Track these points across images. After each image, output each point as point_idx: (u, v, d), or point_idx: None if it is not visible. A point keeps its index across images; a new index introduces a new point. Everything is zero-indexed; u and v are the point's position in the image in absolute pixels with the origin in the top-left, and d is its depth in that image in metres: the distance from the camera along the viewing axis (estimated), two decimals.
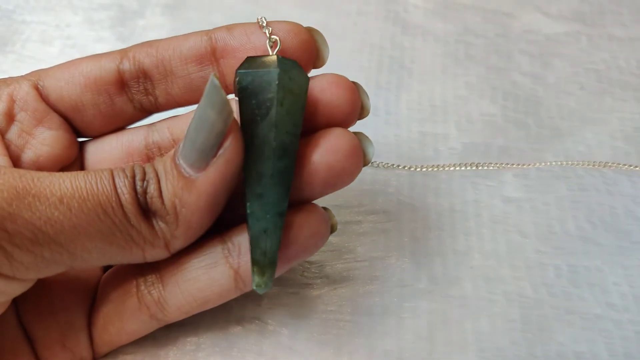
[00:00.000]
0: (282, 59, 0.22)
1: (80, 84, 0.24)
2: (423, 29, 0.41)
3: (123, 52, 0.25)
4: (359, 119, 0.24)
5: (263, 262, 0.22)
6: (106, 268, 0.26)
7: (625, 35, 0.42)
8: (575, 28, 0.42)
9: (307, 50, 0.24)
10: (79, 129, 0.25)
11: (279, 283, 0.28)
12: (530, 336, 0.27)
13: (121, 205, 0.20)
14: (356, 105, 0.24)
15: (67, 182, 0.20)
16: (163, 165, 0.21)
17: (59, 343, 0.23)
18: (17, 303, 0.23)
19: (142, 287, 0.23)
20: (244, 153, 0.21)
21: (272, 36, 0.24)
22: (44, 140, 0.24)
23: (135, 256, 0.21)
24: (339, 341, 0.26)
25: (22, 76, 0.25)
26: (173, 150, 0.21)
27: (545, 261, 0.29)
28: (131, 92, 0.25)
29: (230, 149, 0.20)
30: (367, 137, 0.24)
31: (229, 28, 0.24)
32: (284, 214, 0.22)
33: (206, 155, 0.20)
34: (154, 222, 0.21)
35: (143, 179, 0.21)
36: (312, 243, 0.24)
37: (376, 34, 0.41)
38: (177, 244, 0.22)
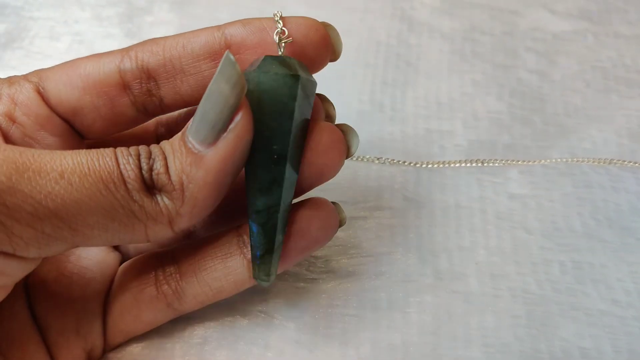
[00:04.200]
0: (300, 63, 0.23)
1: (78, 86, 0.23)
2: (429, 26, 0.42)
3: (124, 52, 0.24)
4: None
5: (255, 258, 0.23)
6: (123, 260, 0.26)
7: (632, 33, 0.42)
8: (581, 26, 0.42)
9: (325, 45, 0.24)
10: (80, 132, 0.25)
11: (285, 277, 0.28)
12: (534, 332, 0.27)
13: (123, 181, 0.20)
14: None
15: (68, 158, 0.19)
16: (170, 144, 0.21)
17: (73, 330, 0.24)
18: (30, 292, 0.24)
19: (161, 277, 0.24)
20: (253, 130, 0.21)
21: (283, 31, 0.23)
22: (48, 146, 0.24)
23: (137, 233, 0.21)
24: (345, 335, 0.26)
25: (24, 76, 0.24)
26: (181, 131, 0.21)
27: (550, 257, 0.30)
28: (133, 94, 0.24)
29: (241, 123, 0.20)
30: (352, 128, 0.25)
31: (244, 23, 0.24)
32: (271, 212, 0.23)
33: (217, 130, 0.20)
34: (159, 198, 0.21)
35: (149, 157, 0.21)
36: (322, 235, 0.24)
37: (382, 31, 0.41)
38: (182, 222, 0.21)
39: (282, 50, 0.23)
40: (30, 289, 0.24)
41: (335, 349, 0.26)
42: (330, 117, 0.25)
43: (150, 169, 0.20)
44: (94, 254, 0.26)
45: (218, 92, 0.20)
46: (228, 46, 0.23)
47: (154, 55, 0.23)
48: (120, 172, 0.20)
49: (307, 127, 0.23)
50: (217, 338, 0.26)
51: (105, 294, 0.25)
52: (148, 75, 0.24)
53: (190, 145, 0.21)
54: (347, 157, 0.24)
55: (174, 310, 0.25)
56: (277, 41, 0.23)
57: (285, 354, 0.26)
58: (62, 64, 0.24)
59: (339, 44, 0.24)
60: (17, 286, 0.23)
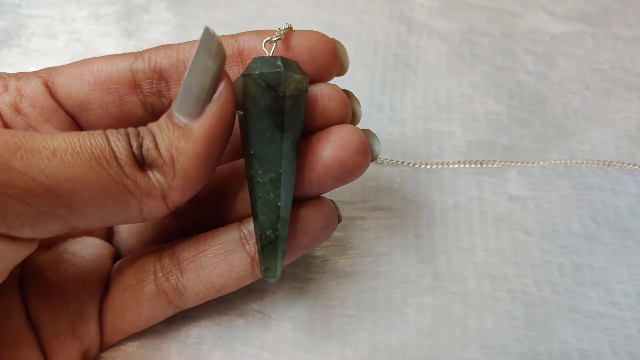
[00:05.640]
0: (286, 59, 0.23)
1: (89, 82, 0.24)
2: (428, 27, 0.41)
3: (138, 54, 0.24)
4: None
5: (282, 250, 0.23)
6: (116, 259, 0.26)
7: (630, 36, 0.42)
8: (580, 28, 0.42)
9: (333, 57, 0.24)
10: (84, 128, 0.25)
11: (282, 277, 0.28)
12: (533, 334, 0.27)
13: (115, 157, 0.20)
14: (347, 114, 0.25)
15: (60, 138, 0.20)
16: (157, 124, 0.22)
17: (69, 332, 0.23)
18: (25, 292, 0.23)
19: (160, 274, 0.24)
20: (235, 98, 0.22)
21: (275, 37, 0.24)
22: None
23: (132, 210, 0.21)
24: (343, 336, 0.26)
25: (34, 72, 0.24)
26: (167, 111, 0.22)
27: (549, 259, 0.29)
28: (143, 94, 0.24)
29: (224, 92, 0.21)
30: (374, 134, 0.25)
31: (258, 33, 0.24)
32: (288, 207, 0.23)
33: (202, 101, 0.21)
34: (151, 173, 0.21)
35: (138, 136, 0.21)
36: (324, 233, 0.25)
37: (381, 32, 0.41)
38: (175, 196, 0.22)
39: (270, 52, 0.24)
40: (25, 289, 0.23)
41: (333, 350, 0.26)
42: (355, 114, 0.25)
43: (140, 146, 0.21)
44: (88, 252, 0.25)
45: (200, 64, 0.21)
46: (241, 52, 0.24)
47: (167, 57, 0.24)
48: (112, 148, 0.20)
49: (283, 119, 0.23)
50: (213, 338, 0.26)
51: (102, 293, 0.25)
52: (160, 76, 0.24)
53: (177, 121, 0.21)
54: (372, 160, 0.25)
55: (175, 307, 0.25)
56: (271, 42, 0.24)
57: (282, 354, 0.25)
58: (75, 62, 0.25)
59: (346, 58, 0.25)
60: (11, 285, 0.23)
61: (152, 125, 0.22)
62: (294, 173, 0.23)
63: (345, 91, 0.25)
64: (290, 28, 0.24)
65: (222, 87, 0.21)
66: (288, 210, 0.23)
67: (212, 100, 0.21)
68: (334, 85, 0.25)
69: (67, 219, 0.20)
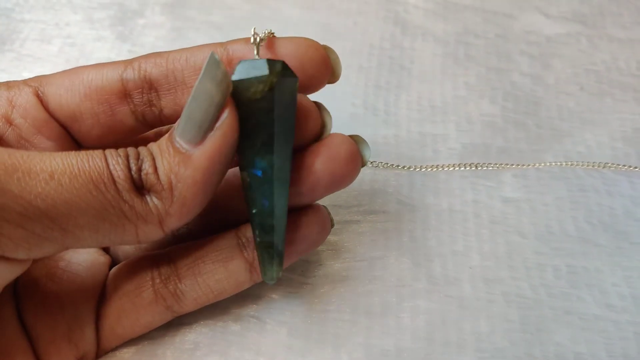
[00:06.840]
0: (273, 60, 0.22)
1: (80, 92, 0.24)
2: (423, 29, 0.41)
3: (128, 62, 0.24)
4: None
5: (269, 255, 0.24)
6: (113, 263, 0.26)
7: (626, 37, 0.42)
8: (575, 29, 0.42)
9: (324, 65, 0.24)
10: (77, 139, 0.25)
11: (278, 282, 0.28)
12: (528, 337, 0.27)
13: (113, 181, 0.20)
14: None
15: (58, 159, 0.20)
16: (158, 145, 0.21)
17: (64, 338, 0.23)
18: (19, 300, 0.23)
19: (158, 280, 0.24)
20: (239, 128, 0.22)
21: (260, 39, 0.24)
22: (43, 150, 0.24)
23: (128, 234, 0.21)
24: (338, 340, 0.26)
25: (24, 81, 0.24)
26: (168, 132, 0.22)
27: (544, 262, 0.29)
28: (134, 103, 0.24)
29: (227, 121, 0.21)
30: (364, 140, 0.25)
31: (247, 41, 0.24)
32: (282, 214, 0.23)
33: (204, 129, 0.21)
34: (148, 198, 0.21)
35: (137, 158, 0.21)
36: (320, 237, 0.26)
37: (376, 34, 0.41)
38: (172, 222, 0.22)
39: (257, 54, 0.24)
40: (20, 297, 0.23)
41: (328, 355, 0.26)
42: (324, 127, 0.25)
43: (139, 170, 0.21)
44: (83, 259, 0.25)
45: (203, 91, 0.20)
46: (230, 60, 0.24)
47: (157, 67, 0.24)
48: (110, 172, 0.20)
49: (272, 129, 0.22)
50: (209, 344, 0.26)
51: (98, 299, 0.25)
52: (150, 85, 0.24)
53: (177, 145, 0.21)
54: (361, 167, 0.25)
55: (172, 311, 0.25)
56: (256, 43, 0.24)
57: (277, 359, 0.25)
58: (64, 71, 0.24)
59: (338, 65, 0.25)
60: (5, 294, 0.23)
61: (153, 147, 0.21)
62: (286, 181, 0.23)
63: (315, 103, 0.25)
64: (271, 34, 0.24)
65: (225, 115, 0.21)
66: (282, 217, 0.23)
67: (214, 128, 0.21)
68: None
69: (62, 241, 0.20)
